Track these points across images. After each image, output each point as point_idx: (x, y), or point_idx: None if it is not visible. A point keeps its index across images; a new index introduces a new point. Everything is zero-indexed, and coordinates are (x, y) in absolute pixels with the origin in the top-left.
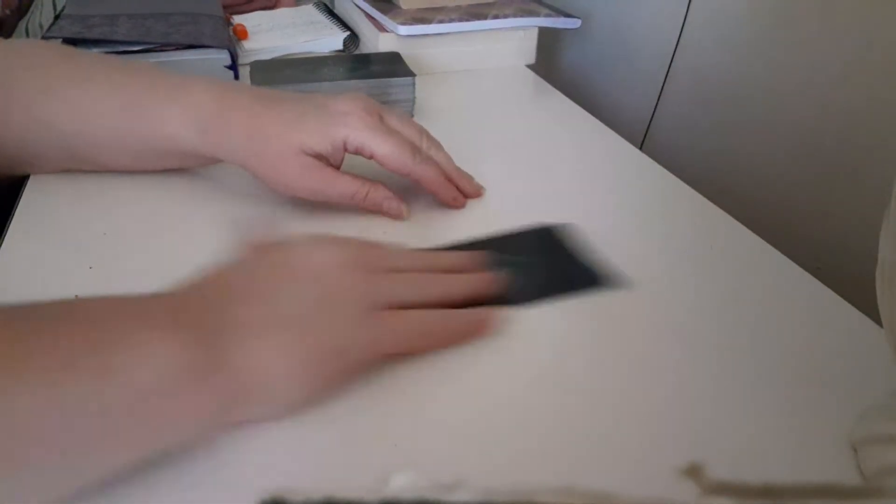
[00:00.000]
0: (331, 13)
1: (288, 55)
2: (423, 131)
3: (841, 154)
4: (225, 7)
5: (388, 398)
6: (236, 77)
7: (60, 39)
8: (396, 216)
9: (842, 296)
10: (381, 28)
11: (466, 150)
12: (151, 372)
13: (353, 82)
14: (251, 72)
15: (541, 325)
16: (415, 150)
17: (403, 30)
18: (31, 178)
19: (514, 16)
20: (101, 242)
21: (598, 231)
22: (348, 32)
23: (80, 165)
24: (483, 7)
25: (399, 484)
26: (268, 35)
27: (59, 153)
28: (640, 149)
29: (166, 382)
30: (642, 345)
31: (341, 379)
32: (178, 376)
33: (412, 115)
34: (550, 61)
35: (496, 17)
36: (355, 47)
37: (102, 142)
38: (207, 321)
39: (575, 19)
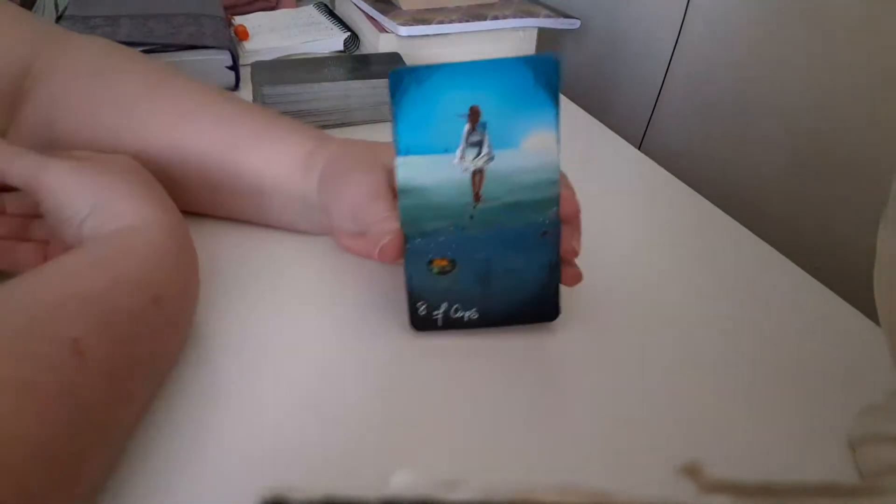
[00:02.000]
0: (331, 14)
1: (289, 56)
2: None
3: (840, 154)
4: (226, 8)
5: (389, 398)
6: (237, 77)
7: None
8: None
9: (841, 296)
10: (382, 29)
11: None
12: None
13: (354, 83)
14: (252, 72)
15: (540, 325)
16: None
17: (404, 30)
18: None
19: (514, 16)
20: None
21: (596, 231)
22: (349, 33)
23: None
24: (483, 8)
25: (399, 483)
26: (268, 36)
27: None
28: (639, 148)
29: None
30: (641, 344)
31: None
32: None
33: None
34: None
35: (496, 17)
36: (356, 48)
37: (187, 182)
38: None
39: (574, 20)
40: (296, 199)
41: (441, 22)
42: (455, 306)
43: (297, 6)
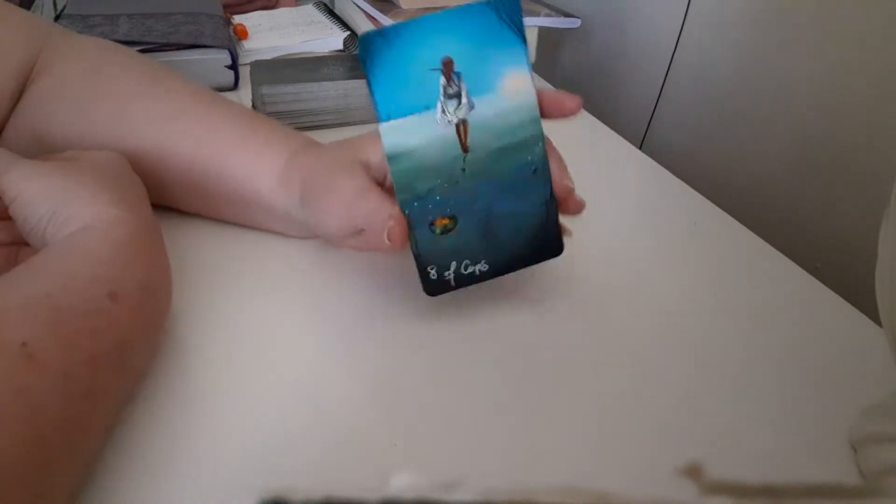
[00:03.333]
0: (331, 13)
1: (288, 55)
2: None
3: (841, 153)
4: (225, 7)
5: (389, 398)
6: (236, 76)
7: None
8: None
9: (842, 295)
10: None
11: None
12: None
13: (353, 82)
14: (251, 71)
15: (541, 324)
16: None
17: None
18: None
19: None
20: None
21: (597, 230)
22: (348, 32)
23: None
24: None
25: (399, 484)
26: (268, 35)
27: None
28: (640, 148)
29: None
30: (642, 345)
31: None
32: None
33: None
34: (550, 61)
35: None
36: (355, 47)
37: (174, 185)
38: None
39: (575, 19)
40: (279, 212)
41: None
42: (464, 262)
43: (296, 5)
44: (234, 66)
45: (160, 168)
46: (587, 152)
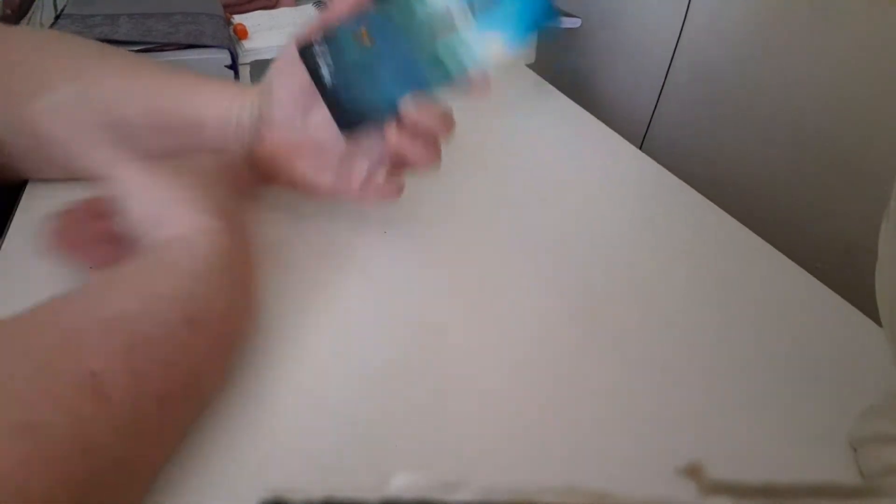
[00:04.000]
0: None
1: None
2: None
3: (841, 153)
4: (225, 6)
5: (389, 398)
6: (236, 76)
7: None
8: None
9: (842, 295)
10: None
11: (466, 150)
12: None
13: None
14: (251, 72)
15: (541, 323)
16: None
17: None
18: (29, 184)
19: None
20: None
21: (597, 230)
22: None
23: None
24: None
25: (399, 484)
26: (268, 34)
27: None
28: (640, 148)
29: None
30: (641, 344)
31: None
32: None
33: None
34: (550, 61)
35: None
36: None
37: (138, 128)
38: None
39: (575, 19)
40: (241, 122)
41: None
42: (327, 58)
43: (296, 5)
44: (234, 66)
45: (122, 111)
46: (587, 152)
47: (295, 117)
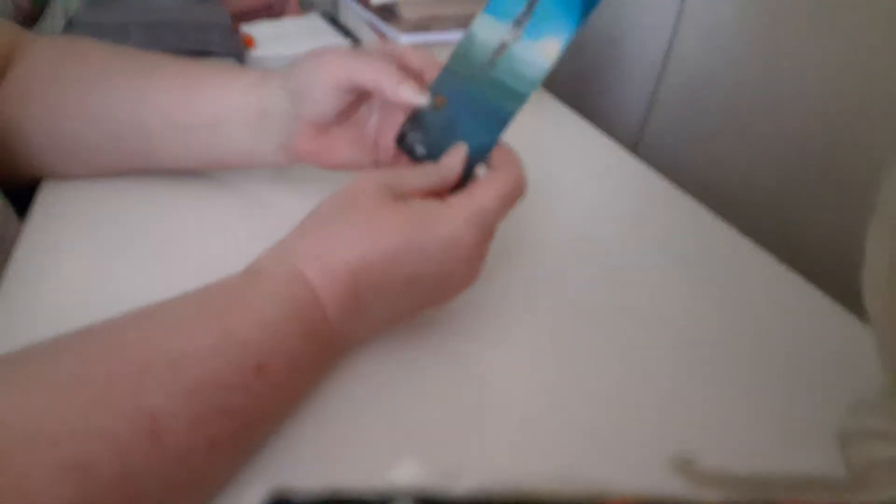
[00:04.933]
0: (335, 22)
1: None
2: None
3: (833, 159)
4: (233, 16)
5: (391, 393)
6: None
7: None
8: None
9: (832, 297)
10: (384, 36)
11: None
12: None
13: None
14: None
15: (541, 323)
16: None
17: (405, 38)
18: (44, 183)
19: None
20: (114, 245)
21: (590, 235)
22: (352, 41)
23: (126, 163)
24: None
25: (401, 476)
26: (274, 43)
27: (111, 148)
28: (634, 153)
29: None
30: (636, 345)
31: None
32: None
33: None
34: None
35: None
36: None
37: (156, 127)
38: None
39: None
40: (251, 116)
41: (441, 29)
42: (422, 139)
43: (301, 15)
44: None
45: (141, 111)
46: (580, 157)
47: (331, 114)
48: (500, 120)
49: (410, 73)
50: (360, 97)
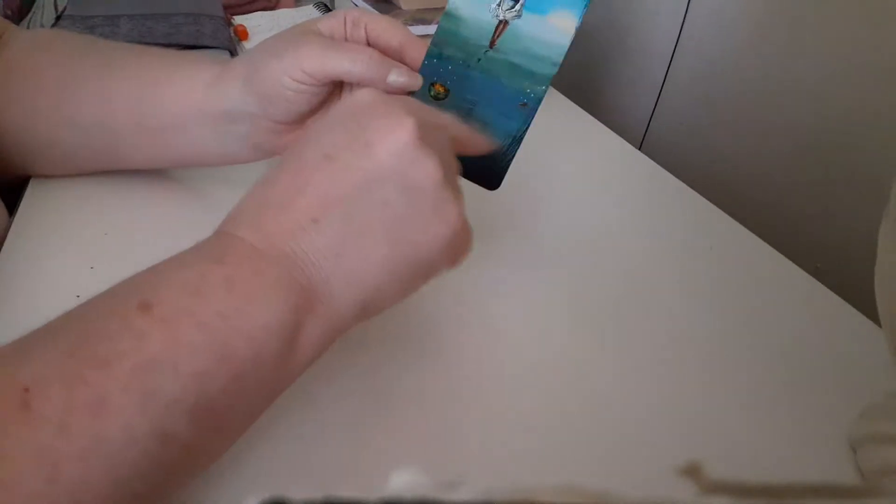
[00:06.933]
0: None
1: None
2: None
3: (840, 154)
4: (225, 7)
5: (389, 398)
6: None
7: None
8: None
9: (841, 296)
10: None
11: None
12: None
13: None
14: None
15: (541, 325)
16: None
17: None
18: (32, 181)
19: None
20: (102, 243)
21: (597, 231)
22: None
23: (98, 163)
24: None
25: (400, 483)
26: (268, 35)
27: (83, 149)
28: (640, 149)
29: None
30: (640, 344)
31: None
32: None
33: None
34: None
35: None
36: None
37: (123, 129)
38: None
39: None
40: (215, 113)
41: None
42: None
43: (296, 6)
44: None
45: (108, 113)
46: (586, 152)
47: (307, 109)
48: (521, 103)
49: (392, 53)
50: (339, 84)
